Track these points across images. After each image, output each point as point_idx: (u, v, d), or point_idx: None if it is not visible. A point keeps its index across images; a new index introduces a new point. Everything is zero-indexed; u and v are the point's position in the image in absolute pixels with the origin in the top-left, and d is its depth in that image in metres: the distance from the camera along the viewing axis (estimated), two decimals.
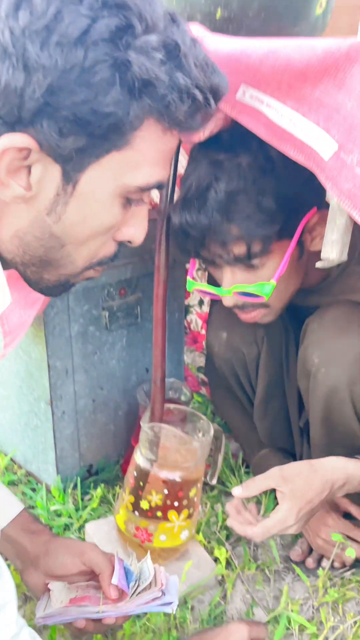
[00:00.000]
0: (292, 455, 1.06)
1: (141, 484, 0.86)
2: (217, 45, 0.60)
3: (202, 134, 0.73)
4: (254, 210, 0.74)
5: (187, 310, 1.33)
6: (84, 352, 1.06)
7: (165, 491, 0.85)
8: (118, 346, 1.12)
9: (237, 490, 0.80)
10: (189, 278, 0.89)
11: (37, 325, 1.00)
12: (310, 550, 0.96)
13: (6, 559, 0.74)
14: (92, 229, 0.56)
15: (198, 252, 0.83)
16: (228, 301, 0.85)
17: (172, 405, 0.96)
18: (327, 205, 0.63)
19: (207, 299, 1.31)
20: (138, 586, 0.71)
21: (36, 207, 0.53)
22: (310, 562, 0.94)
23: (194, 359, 1.36)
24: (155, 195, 1.11)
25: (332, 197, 0.57)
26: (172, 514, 0.85)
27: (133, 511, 0.87)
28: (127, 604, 0.69)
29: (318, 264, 0.67)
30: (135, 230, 0.59)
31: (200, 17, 0.73)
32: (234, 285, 0.82)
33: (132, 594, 0.70)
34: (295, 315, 1.04)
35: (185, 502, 0.86)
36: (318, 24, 0.78)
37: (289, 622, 0.85)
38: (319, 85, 0.54)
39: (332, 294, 0.91)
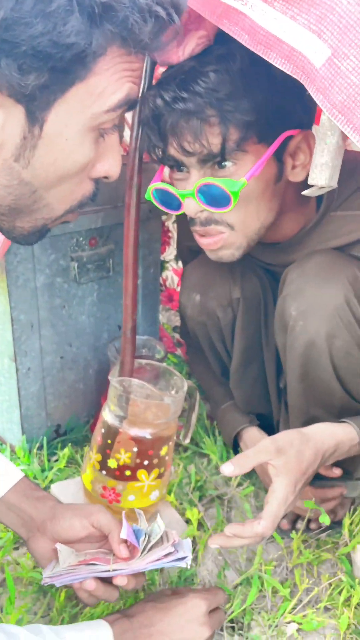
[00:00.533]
0: (262, 417, 1.02)
1: (109, 442, 0.81)
2: None
3: (182, 54, 0.66)
4: (238, 94, 0.67)
5: (162, 266, 1.27)
6: (51, 305, 1.00)
7: (135, 449, 0.80)
8: (88, 301, 1.06)
9: (227, 468, 0.68)
10: (150, 185, 0.80)
11: None
12: None
13: (11, 529, 0.71)
14: (64, 170, 0.53)
15: (166, 148, 0.75)
16: (190, 208, 0.76)
17: (144, 361, 0.90)
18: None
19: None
20: (148, 542, 0.67)
21: (2, 154, 0.50)
22: (284, 523, 0.91)
23: (169, 318, 1.31)
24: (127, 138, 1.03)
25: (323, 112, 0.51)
26: (141, 473, 0.81)
27: (100, 470, 0.82)
28: (139, 561, 0.66)
29: (305, 192, 0.61)
30: (111, 164, 0.57)
31: None
32: (200, 179, 0.73)
33: (143, 551, 0.67)
34: (273, 278, 0.98)
35: (155, 460, 0.81)
36: None
37: (262, 584, 0.82)
38: None
39: (310, 246, 0.85)
